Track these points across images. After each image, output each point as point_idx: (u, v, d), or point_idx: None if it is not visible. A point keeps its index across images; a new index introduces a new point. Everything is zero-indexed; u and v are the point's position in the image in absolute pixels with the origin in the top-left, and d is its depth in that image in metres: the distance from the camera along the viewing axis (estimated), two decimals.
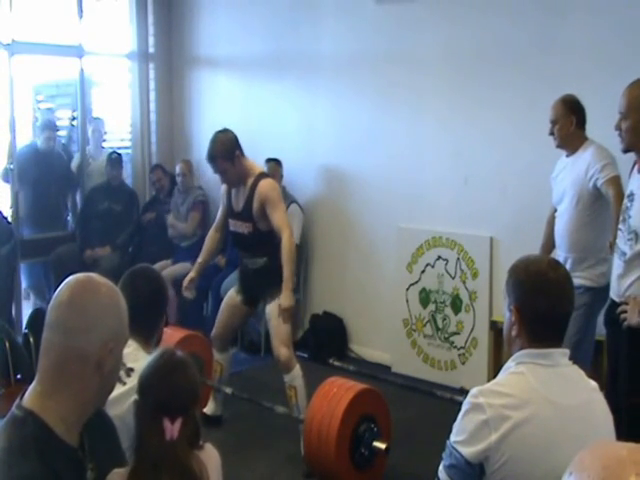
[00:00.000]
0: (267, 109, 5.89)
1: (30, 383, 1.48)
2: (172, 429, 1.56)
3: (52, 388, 1.44)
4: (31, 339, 4.50)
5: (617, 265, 2.99)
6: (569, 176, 3.62)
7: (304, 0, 5.60)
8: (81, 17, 5.96)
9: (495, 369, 4.33)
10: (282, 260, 3.69)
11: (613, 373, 3.04)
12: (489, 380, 1.80)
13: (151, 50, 6.51)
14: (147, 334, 2.22)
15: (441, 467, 1.70)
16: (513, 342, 1.77)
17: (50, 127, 6.07)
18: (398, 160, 5.11)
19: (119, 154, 6.13)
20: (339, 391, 3.44)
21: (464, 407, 1.69)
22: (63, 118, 6.93)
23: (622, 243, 2.95)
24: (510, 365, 1.75)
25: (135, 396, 1.65)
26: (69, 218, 6.37)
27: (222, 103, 6.21)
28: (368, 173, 5.31)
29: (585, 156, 3.54)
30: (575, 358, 1.80)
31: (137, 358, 2.03)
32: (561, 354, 1.74)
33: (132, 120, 6.64)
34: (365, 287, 5.43)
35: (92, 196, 6.02)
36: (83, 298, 1.47)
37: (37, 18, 6.12)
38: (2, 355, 4.35)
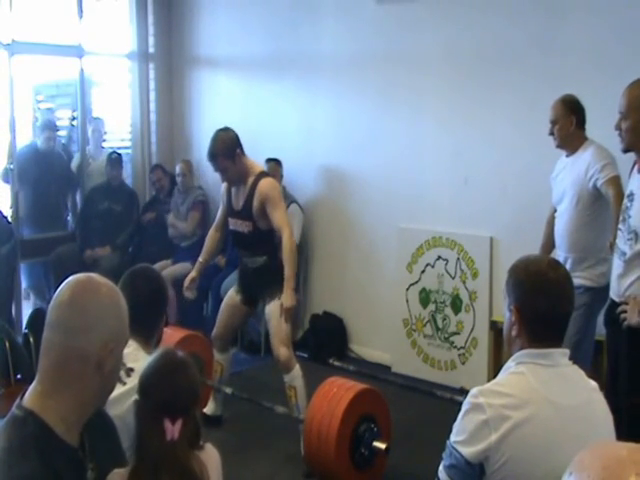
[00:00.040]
0: (267, 109, 5.89)
1: (30, 383, 1.48)
2: (173, 430, 1.56)
3: (52, 388, 1.44)
4: (31, 339, 4.50)
5: (617, 265, 2.99)
6: (569, 176, 3.62)
7: (304, 0, 5.60)
8: (81, 17, 5.96)
9: (495, 369, 4.33)
10: (283, 259, 3.70)
11: (613, 373, 3.04)
12: (489, 380, 1.80)
13: (151, 50, 6.51)
14: (147, 334, 2.22)
15: (441, 467, 1.70)
16: (513, 342, 1.77)
17: (50, 127, 6.07)
18: (398, 160, 5.11)
19: (119, 154, 6.13)
20: (339, 391, 3.44)
21: (464, 407, 1.69)
22: (63, 118, 6.93)
23: (622, 243, 2.95)
24: (510, 365, 1.75)
25: (135, 396, 1.65)
26: (69, 218, 6.37)
27: (222, 103, 6.21)
28: (368, 173, 5.31)
29: (585, 156, 3.54)
30: (575, 358, 1.80)
31: (137, 358, 2.03)
32: (561, 354, 1.74)
33: (132, 120, 6.65)
34: (365, 287, 5.43)
35: (92, 196, 6.02)
36: (84, 298, 1.47)
37: (37, 18, 6.12)
38: (2, 355, 4.35)
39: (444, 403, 3.76)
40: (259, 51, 5.94)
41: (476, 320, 4.76)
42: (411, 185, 5.06)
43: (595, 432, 1.68)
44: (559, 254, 3.67)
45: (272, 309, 3.81)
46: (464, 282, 4.82)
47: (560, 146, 3.69)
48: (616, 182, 3.37)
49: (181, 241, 5.91)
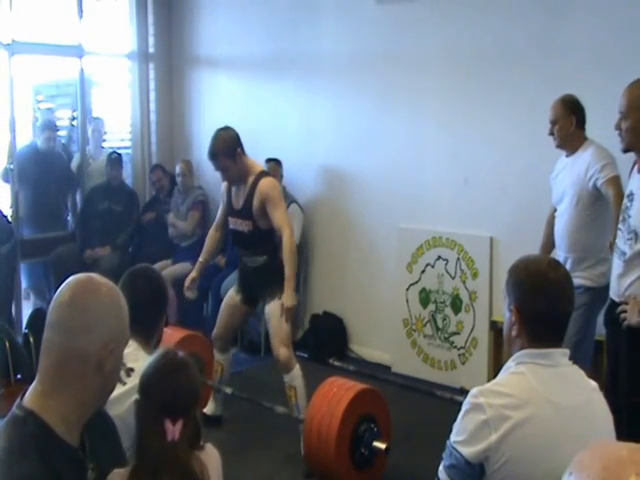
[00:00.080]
0: (267, 109, 5.89)
1: (30, 383, 1.48)
2: (173, 430, 1.56)
3: (53, 388, 1.44)
4: (31, 339, 4.50)
5: (617, 265, 2.99)
6: (569, 176, 3.62)
7: (304, 0, 5.60)
8: (81, 17, 5.96)
9: (495, 369, 4.33)
10: (283, 259, 3.70)
11: (613, 373, 3.04)
12: (489, 380, 1.80)
13: (151, 50, 6.51)
14: (147, 334, 2.22)
15: (441, 467, 1.70)
16: (513, 342, 1.78)
17: (50, 127, 6.07)
18: (398, 160, 5.11)
19: (119, 154, 6.13)
20: (339, 391, 3.44)
21: (464, 407, 1.69)
22: (63, 118, 6.93)
23: (622, 243, 2.95)
24: (510, 365, 1.75)
25: (136, 396, 1.66)
26: (69, 218, 6.37)
27: (222, 103, 6.21)
28: (368, 173, 5.31)
29: (585, 156, 3.55)
30: (575, 358, 1.80)
31: (137, 358, 2.03)
32: (561, 354, 1.74)
33: (132, 120, 6.65)
34: (365, 287, 5.43)
35: (92, 196, 6.02)
36: (84, 298, 1.47)
37: (37, 18, 6.12)
38: (2, 355, 4.35)
39: (444, 403, 3.76)
40: (259, 51, 5.94)
41: (476, 320, 4.76)
42: (411, 185, 5.06)
43: (595, 432, 1.68)
44: (559, 254, 3.67)
45: (272, 309, 3.81)
46: (464, 282, 4.82)
47: (560, 146, 3.69)
48: (616, 182, 3.37)
49: (181, 241, 5.91)
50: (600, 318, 3.40)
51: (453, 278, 4.88)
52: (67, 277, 1.53)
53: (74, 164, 6.31)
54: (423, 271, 5.03)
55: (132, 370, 1.96)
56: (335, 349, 5.34)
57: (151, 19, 6.46)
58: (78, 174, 6.24)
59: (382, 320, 5.31)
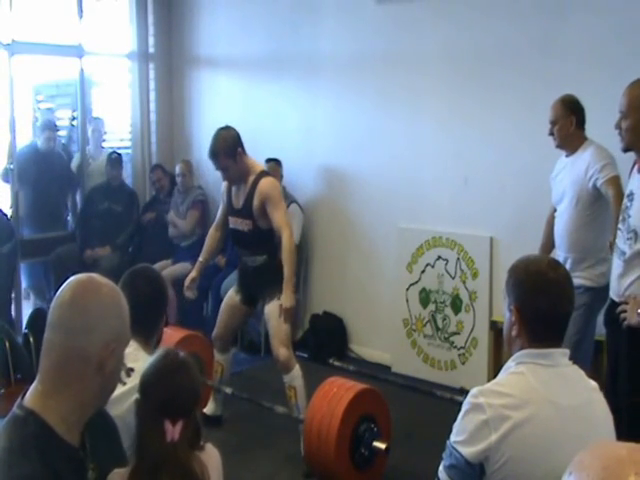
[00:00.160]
0: (267, 109, 5.89)
1: (30, 383, 1.48)
2: (173, 431, 1.56)
3: (53, 388, 1.44)
4: (31, 339, 4.50)
5: (617, 265, 2.99)
6: (569, 176, 3.62)
7: (304, 0, 5.60)
8: (81, 17, 5.96)
9: (495, 369, 4.33)
10: (282, 260, 3.70)
11: (613, 373, 3.04)
12: (489, 380, 1.80)
13: (151, 50, 6.51)
14: (147, 334, 2.22)
15: (441, 467, 1.71)
16: (513, 342, 1.78)
17: (50, 127, 6.08)
18: (398, 160, 5.11)
19: (119, 154, 6.13)
20: (339, 391, 3.44)
21: (464, 407, 1.69)
22: (63, 118, 6.94)
23: (622, 243, 2.95)
24: (510, 365, 1.75)
25: (136, 395, 1.66)
26: (69, 218, 6.37)
27: (222, 103, 6.22)
28: (368, 173, 5.31)
29: (585, 156, 3.55)
30: (575, 358, 1.80)
31: (137, 358, 2.03)
32: (561, 354, 1.74)
33: (132, 120, 6.65)
34: (365, 287, 5.43)
35: (92, 196, 6.02)
36: (84, 298, 1.47)
37: (37, 18, 6.12)
38: (2, 355, 4.35)
39: (444, 403, 3.76)
40: (259, 51, 5.94)
41: (476, 320, 4.77)
42: (411, 185, 5.06)
43: (595, 432, 1.68)
44: (559, 254, 3.67)
45: (271, 309, 3.81)
46: (464, 282, 4.82)
47: (560, 146, 3.70)
48: (616, 182, 3.37)
49: (181, 241, 5.91)
50: (600, 318, 3.40)
51: (453, 278, 4.88)
52: (67, 277, 1.53)
53: (74, 164, 6.31)
54: (423, 271, 5.03)
55: (132, 370, 1.95)
56: (335, 349, 5.34)
57: (151, 19, 6.47)
58: (78, 174, 6.25)
59: (382, 320, 5.31)
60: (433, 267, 4.98)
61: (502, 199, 4.62)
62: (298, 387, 3.82)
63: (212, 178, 5.67)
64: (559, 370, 1.72)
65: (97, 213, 5.94)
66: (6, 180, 5.68)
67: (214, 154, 3.80)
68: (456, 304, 4.87)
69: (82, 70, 6.08)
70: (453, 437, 1.69)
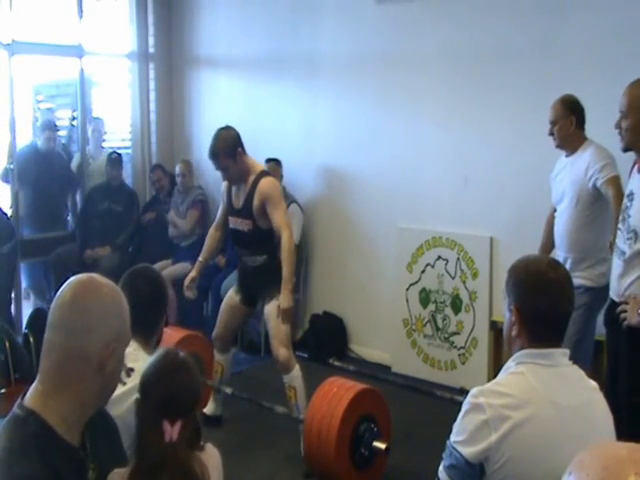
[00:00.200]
0: (267, 109, 5.89)
1: (30, 383, 1.48)
2: (172, 431, 1.55)
3: (53, 388, 1.44)
4: (31, 339, 4.50)
5: (617, 265, 3.00)
6: (568, 176, 3.62)
7: (304, 0, 5.60)
8: (81, 17, 5.96)
9: (495, 369, 4.33)
10: (281, 260, 3.69)
11: (613, 373, 3.04)
12: (489, 380, 1.80)
13: (151, 50, 6.51)
14: (147, 334, 2.22)
15: (441, 467, 1.71)
16: (513, 342, 1.78)
17: (50, 127, 6.08)
18: (398, 160, 5.12)
19: (119, 154, 6.13)
20: (339, 391, 3.44)
21: (464, 407, 1.69)
22: (63, 118, 6.94)
23: (621, 242, 2.95)
24: (510, 365, 1.75)
25: (136, 395, 1.66)
26: (69, 218, 6.38)
27: (222, 103, 6.22)
28: (368, 173, 5.31)
29: (585, 156, 3.55)
30: (575, 358, 1.80)
31: (137, 358, 2.03)
32: (561, 354, 1.74)
33: (132, 120, 6.65)
34: (365, 287, 5.43)
35: (92, 196, 6.02)
36: (85, 298, 1.47)
37: (37, 18, 6.12)
38: (2, 355, 4.35)
39: (444, 403, 3.76)
40: (259, 51, 5.94)
41: (476, 320, 4.77)
42: (411, 185, 5.06)
43: (595, 432, 1.68)
44: (559, 254, 3.67)
45: (271, 309, 3.81)
46: (464, 282, 4.82)
47: (560, 146, 3.70)
48: (616, 182, 3.38)
49: (181, 241, 5.91)
50: (600, 318, 3.40)
51: (453, 278, 4.88)
52: (67, 277, 1.53)
53: (74, 164, 6.31)
54: (423, 271, 5.03)
55: (132, 370, 1.95)
56: (335, 349, 5.34)
57: (151, 19, 6.47)
58: (78, 174, 6.25)
59: (382, 320, 5.31)
60: (433, 267, 4.98)
61: (502, 199, 4.62)
62: (298, 387, 3.82)
63: (212, 178, 5.67)
64: (559, 370, 1.72)
65: (97, 213, 5.94)
66: (6, 180, 5.68)
67: (214, 154, 3.80)
68: (456, 304, 4.87)
69: (82, 70, 6.08)
70: (453, 437, 1.69)
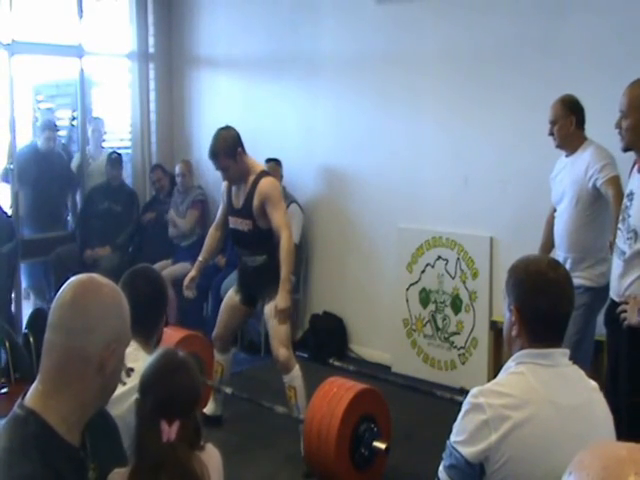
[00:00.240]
0: (267, 109, 5.89)
1: (30, 383, 1.48)
2: (169, 432, 1.55)
3: (54, 388, 1.44)
4: (31, 339, 4.50)
5: (617, 265, 3.00)
6: (568, 176, 3.62)
7: (304, 0, 5.60)
8: (81, 17, 5.96)
9: (495, 369, 4.33)
10: (280, 260, 3.69)
11: (613, 373, 3.04)
12: (489, 380, 1.80)
13: (151, 50, 6.51)
14: (147, 334, 2.22)
15: (441, 467, 1.71)
16: (513, 342, 1.78)
17: (50, 127, 6.08)
18: (398, 160, 5.12)
19: (119, 154, 6.13)
20: (339, 391, 3.44)
21: (464, 407, 1.69)
22: (63, 118, 6.94)
23: (621, 242, 2.95)
24: (510, 365, 1.75)
25: (136, 395, 1.66)
26: (69, 218, 6.38)
27: (222, 103, 6.22)
28: (368, 173, 5.31)
29: (584, 156, 3.55)
30: (575, 358, 1.80)
31: (137, 358, 2.03)
32: (561, 354, 1.74)
33: (132, 120, 6.65)
34: (365, 287, 5.43)
35: (92, 196, 6.02)
36: (85, 298, 1.47)
37: (37, 18, 6.12)
38: (2, 355, 4.35)
39: (444, 403, 3.76)
40: (259, 51, 5.94)
41: (476, 320, 4.77)
42: (411, 185, 5.06)
43: (595, 432, 1.68)
44: (559, 254, 3.67)
45: (271, 309, 3.80)
46: (464, 282, 4.82)
47: (560, 146, 3.70)
48: (615, 182, 3.38)
49: (181, 241, 5.91)
50: (600, 318, 3.40)
51: (453, 278, 4.88)
52: (67, 277, 1.53)
53: (74, 164, 6.31)
54: (423, 271, 5.03)
55: (132, 370, 1.95)
56: (335, 349, 5.34)
57: (151, 19, 6.47)
58: (78, 174, 6.25)
59: (382, 320, 5.31)
60: (433, 267, 4.98)
61: (502, 199, 4.62)
62: (298, 387, 3.82)
63: (212, 178, 5.67)
64: (559, 370, 1.72)
65: (97, 213, 5.94)
66: (6, 180, 5.67)
67: (214, 154, 3.80)
68: (456, 304, 4.87)
69: (82, 70, 6.08)
70: (453, 437, 1.69)
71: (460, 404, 1.72)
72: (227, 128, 3.87)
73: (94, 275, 1.54)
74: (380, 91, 5.20)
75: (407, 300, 5.12)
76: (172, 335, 3.96)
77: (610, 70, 3.98)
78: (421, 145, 5.01)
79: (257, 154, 4.26)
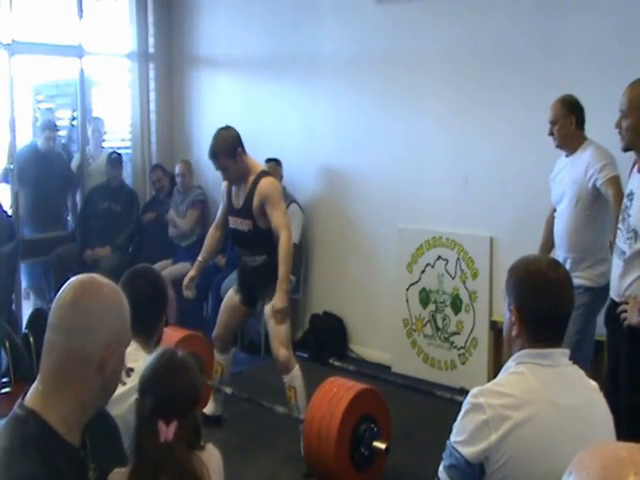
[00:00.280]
0: (267, 109, 5.89)
1: (30, 383, 1.48)
2: (167, 432, 1.55)
3: (54, 388, 1.44)
4: (31, 339, 4.50)
5: (617, 264, 3.00)
6: (568, 176, 3.62)
7: (304, 0, 5.60)
8: (81, 17, 5.96)
9: (495, 369, 4.33)
10: (279, 261, 3.69)
11: (613, 373, 3.04)
12: (489, 380, 1.80)
13: (151, 50, 6.51)
14: (147, 334, 2.22)
15: (441, 467, 1.71)
16: (513, 342, 1.78)
17: (50, 127, 6.07)
18: (398, 160, 5.12)
19: (119, 154, 6.13)
20: (339, 391, 3.44)
21: (464, 407, 1.69)
22: (63, 118, 6.94)
23: (621, 242, 2.95)
24: (510, 365, 1.75)
25: (136, 395, 1.65)
26: (69, 218, 6.37)
27: (222, 103, 6.22)
28: (368, 173, 5.31)
29: (584, 156, 3.55)
30: (575, 358, 1.80)
31: (137, 358, 2.03)
32: (561, 354, 1.74)
33: (132, 120, 6.65)
34: (365, 287, 5.43)
35: (92, 196, 6.02)
36: (85, 299, 1.47)
37: (37, 18, 6.12)
38: (2, 355, 4.35)
39: (444, 403, 3.76)
40: (259, 51, 5.94)
41: (476, 320, 4.77)
42: (411, 185, 5.06)
43: (595, 432, 1.68)
44: (559, 254, 3.67)
45: (270, 309, 3.80)
46: (464, 282, 4.82)
47: (560, 146, 3.70)
48: (615, 182, 3.38)
49: (181, 241, 5.91)
50: (600, 318, 3.40)
51: (453, 278, 4.88)
52: (67, 277, 1.53)
53: (74, 164, 6.31)
54: (423, 271, 5.03)
55: (132, 370, 1.95)
56: (335, 349, 5.34)
57: (151, 19, 6.47)
58: (78, 174, 6.25)
59: (382, 320, 5.31)
60: (433, 267, 4.98)
61: (502, 199, 4.62)
62: (298, 387, 3.82)
63: (212, 178, 5.67)
64: (559, 370, 1.72)
65: (97, 213, 5.94)
66: (6, 180, 5.67)
67: (214, 154, 3.80)
68: (456, 304, 4.87)
69: (82, 70, 6.08)
70: (453, 437, 1.69)
71: (460, 404, 1.72)
72: (227, 128, 3.87)
73: (94, 275, 1.54)
74: (380, 91, 5.20)
75: (407, 300, 5.12)
76: (172, 335, 3.96)
77: (610, 70, 3.98)
78: (421, 145, 5.01)
79: (257, 154, 4.26)
